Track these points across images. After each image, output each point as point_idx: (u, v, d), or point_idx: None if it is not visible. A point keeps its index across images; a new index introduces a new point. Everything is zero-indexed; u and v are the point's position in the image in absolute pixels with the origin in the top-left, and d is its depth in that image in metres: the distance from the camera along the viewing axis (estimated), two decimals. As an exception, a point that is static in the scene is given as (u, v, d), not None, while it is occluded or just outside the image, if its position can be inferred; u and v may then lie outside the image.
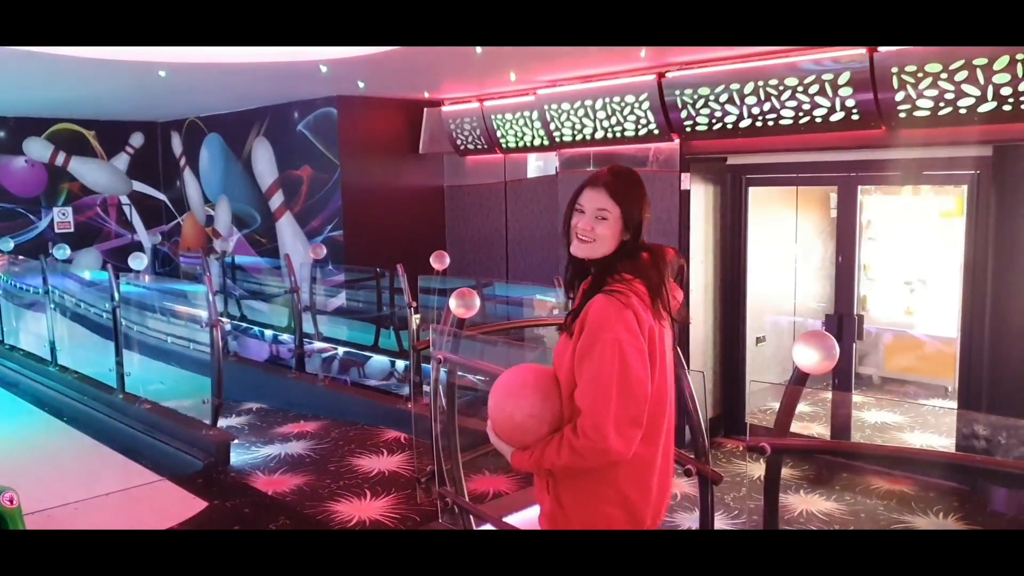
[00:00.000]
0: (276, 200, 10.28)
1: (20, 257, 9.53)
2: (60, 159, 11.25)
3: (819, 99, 5.66)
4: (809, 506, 4.95)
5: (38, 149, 11.08)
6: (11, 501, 2.92)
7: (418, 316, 6.29)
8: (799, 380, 2.57)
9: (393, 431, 5.69)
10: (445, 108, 9.25)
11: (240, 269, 10.20)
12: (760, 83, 5.89)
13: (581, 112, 7.28)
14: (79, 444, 6.09)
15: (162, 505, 4.65)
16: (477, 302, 3.83)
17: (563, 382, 2.01)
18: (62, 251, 9.59)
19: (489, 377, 5.03)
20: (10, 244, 10.31)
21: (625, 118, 6.87)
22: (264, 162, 10.36)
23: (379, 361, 7.53)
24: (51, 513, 4.51)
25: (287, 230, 10.20)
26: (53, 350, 7.60)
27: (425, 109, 9.51)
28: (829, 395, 6.73)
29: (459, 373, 3.61)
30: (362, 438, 5.62)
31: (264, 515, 4.33)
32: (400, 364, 7.13)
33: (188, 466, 5.24)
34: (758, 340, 6.98)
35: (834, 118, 5.66)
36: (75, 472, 5.48)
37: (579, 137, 7.47)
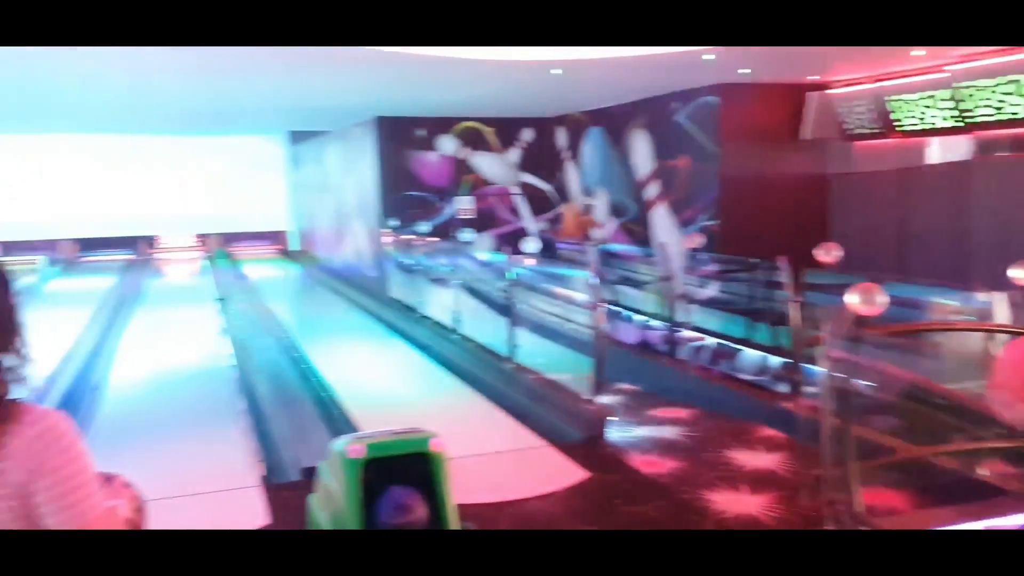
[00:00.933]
0: (652, 190, 10.54)
1: (432, 239, 11.00)
2: (464, 153, 12.75)
3: None
4: None
5: (448, 145, 12.68)
6: (438, 446, 3.42)
7: (802, 312, 6.00)
8: None
9: (768, 429, 5.52)
10: (832, 91, 8.71)
11: (614, 256, 10.66)
12: None
13: (1004, 89, 6.34)
14: (476, 404, 6.88)
15: (547, 470, 5.04)
16: (882, 299, 3.52)
17: None
18: (464, 234, 10.85)
19: (886, 384, 4.64)
20: (424, 227, 11.96)
21: (1066, 93, 5.84)
22: (641, 153, 10.68)
23: (753, 355, 7.35)
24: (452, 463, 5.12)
25: (662, 219, 10.41)
26: (456, 320, 8.67)
27: (807, 93, 9.03)
28: None
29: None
30: (736, 431, 5.54)
31: (642, 493, 4.49)
32: (777, 360, 6.88)
33: (568, 435, 5.61)
34: None
35: None
36: (472, 429, 6.18)
37: (999, 118, 6.52)
